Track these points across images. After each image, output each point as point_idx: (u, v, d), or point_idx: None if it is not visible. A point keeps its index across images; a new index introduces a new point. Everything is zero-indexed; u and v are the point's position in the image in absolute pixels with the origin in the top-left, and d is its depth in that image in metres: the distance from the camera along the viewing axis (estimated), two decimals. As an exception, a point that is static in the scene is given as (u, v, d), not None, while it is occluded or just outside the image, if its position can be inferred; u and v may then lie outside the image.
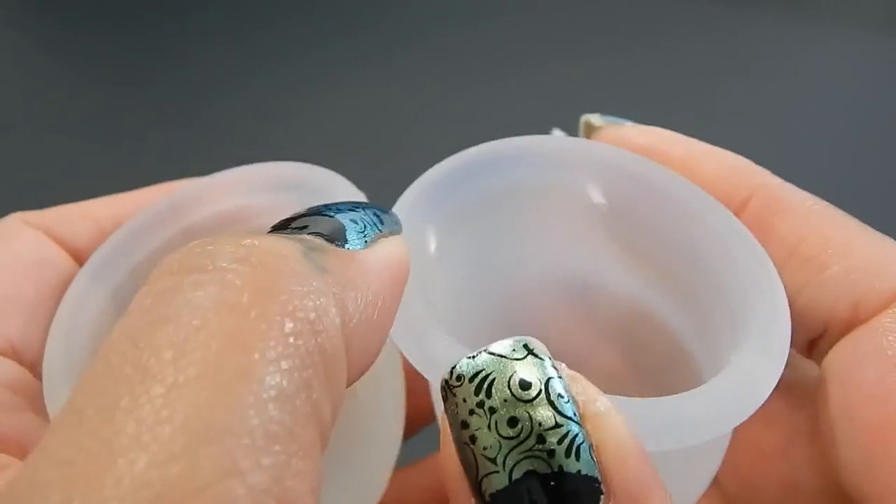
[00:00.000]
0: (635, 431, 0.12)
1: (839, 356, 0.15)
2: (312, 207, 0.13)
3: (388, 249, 0.13)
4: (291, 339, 0.10)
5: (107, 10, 0.55)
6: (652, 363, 0.18)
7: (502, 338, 0.12)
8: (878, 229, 0.49)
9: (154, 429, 0.09)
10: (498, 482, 0.11)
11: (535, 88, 0.49)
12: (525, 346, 0.12)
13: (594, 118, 0.18)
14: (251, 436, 0.09)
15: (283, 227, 0.13)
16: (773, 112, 0.50)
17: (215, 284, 0.10)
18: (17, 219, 0.18)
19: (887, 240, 0.16)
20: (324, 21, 0.54)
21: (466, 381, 0.12)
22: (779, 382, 0.14)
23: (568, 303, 0.18)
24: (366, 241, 0.13)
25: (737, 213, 0.16)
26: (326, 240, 0.12)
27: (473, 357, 0.12)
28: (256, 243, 0.11)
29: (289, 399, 0.10)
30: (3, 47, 0.55)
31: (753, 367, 0.14)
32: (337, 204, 0.14)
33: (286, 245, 0.11)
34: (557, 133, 0.18)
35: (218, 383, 0.09)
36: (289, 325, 0.10)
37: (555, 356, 0.17)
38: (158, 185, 0.20)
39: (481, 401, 0.12)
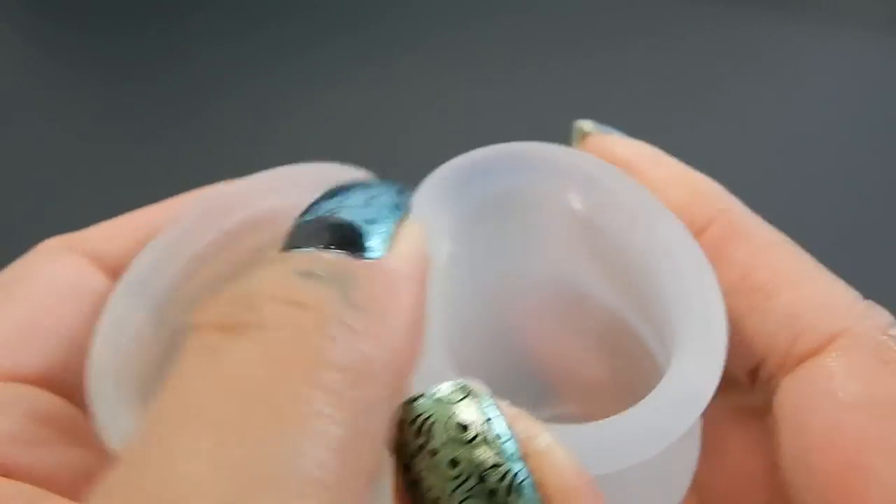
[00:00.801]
0: (579, 465, 0.12)
1: (788, 399, 0.15)
2: (320, 202, 0.14)
3: (409, 246, 0.13)
4: (340, 391, 0.10)
5: (107, 9, 0.55)
6: (631, 372, 0.18)
7: (489, 344, 0.13)
8: (878, 229, 0.49)
9: (211, 475, 0.09)
10: None
11: (535, 87, 0.49)
12: (463, 387, 0.12)
13: (586, 125, 0.18)
14: (304, 483, 0.09)
15: (296, 239, 0.13)
16: (772, 112, 0.50)
17: (258, 342, 0.11)
18: (54, 243, 0.18)
19: (838, 282, 0.16)
20: (325, 20, 0.54)
21: (407, 423, 0.12)
22: (750, 408, 0.14)
23: (556, 310, 0.19)
24: (387, 239, 0.13)
25: (696, 236, 0.16)
26: (348, 250, 0.12)
27: (415, 399, 0.12)
28: (295, 293, 0.11)
29: (339, 449, 0.10)
30: (3, 46, 0.55)
31: (691, 375, 0.14)
32: (345, 191, 0.14)
33: (323, 293, 0.11)
34: (586, 125, 0.19)
35: (270, 433, 0.10)
36: (336, 377, 0.10)
37: (542, 364, 0.17)
38: (191, 192, 0.20)
39: (423, 443, 0.12)
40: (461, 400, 0.12)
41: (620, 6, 0.54)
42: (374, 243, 0.13)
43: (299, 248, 0.12)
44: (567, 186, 0.17)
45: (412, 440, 0.12)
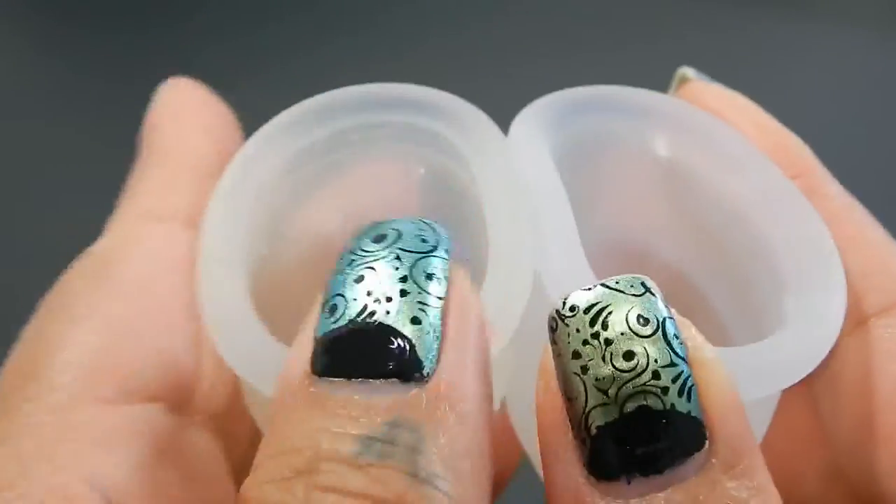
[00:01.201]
0: (737, 384, 0.12)
1: (852, 359, 0.15)
2: (341, 279, 0.12)
3: (464, 328, 0.12)
4: None
5: (107, 7, 0.55)
6: None
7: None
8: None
9: None
10: (608, 414, 0.11)
11: (534, 87, 0.49)
12: (643, 283, 0.12)
13: (688, 71, 0.19)
14: None
15: (330, 360, 0.12)
16: (771, 112, 0.50)
17: None
18: (132, 217, 0.17)
19: None
20: (325, 19, 0.54)
21: (581, 311, 0.12)
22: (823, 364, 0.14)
23: (621, 267, 0.18)
24: (436, 339, 0.12)
25: None
26: (400, 375, 0.11)
27: (589, 289, 0.12)
28: (359, 481, 0.11)
29: None
30: (5, 45, 0.55)
31: (818, 307, 0.14)
32: (368, 257, 0.12)
33: (394, 478, 0.11)
34: (688, 72, 0.19)
35: None
36: None
37: None
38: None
39: (596, 332, 0.12)
40: (642, 294, 0.12)
41: (620, 6, 0.54)
42: (427, 354, 0.12)
43: (335, 375, 0.11)
44: (654, 130, 0.17)
45: (583, 328, 0.12)
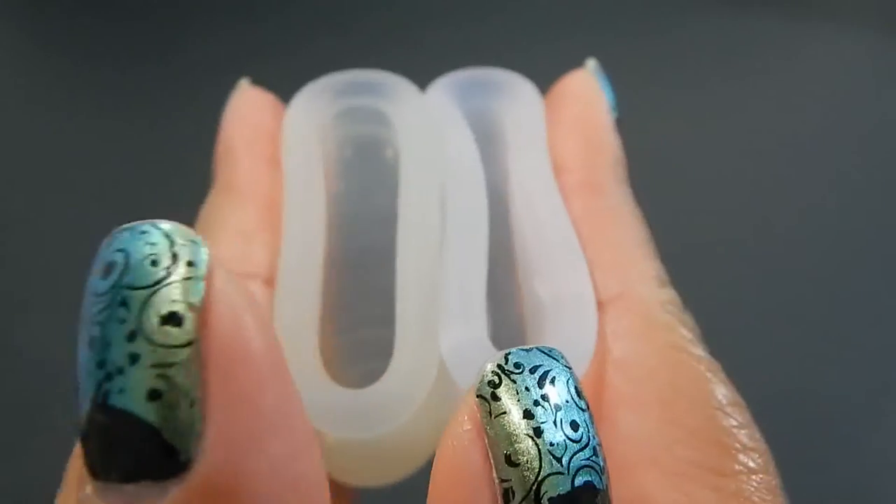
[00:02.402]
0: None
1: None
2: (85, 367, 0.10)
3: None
4: None
5: (111, 6, 0.55)
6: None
7: None
8: (877, 228, 0.49)
9: None
10: (562, 485, 0.10)
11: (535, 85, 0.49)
12: (561, 356, 0.11)
13: (590, 64, 0.19)
14: None
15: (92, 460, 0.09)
16: (771, 112, 0.50)
17: None
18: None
19: (653, 260, 0.16)
20: (325, 18, 0.54)
21: (527, 370, 0.11)
22: None
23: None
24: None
25: (557, 176, 0.17)
26: (152, 474, 0.09)
27: (528, 350, 0.11)
28: None
29: None
30: (6, 43, 0.55)
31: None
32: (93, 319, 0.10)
33: None
34: (591, 64, 0.19)
35: None
36: None
37: None
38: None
39: (545, 394, 0.11)
40: (569, 367, 0.11)
41: (619, 6, 0.54)
42: (182, 434, 0.09)
43: (97, 478, 0.09)
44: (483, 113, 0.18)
45: (533, 388, 0.11)
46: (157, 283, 0.09)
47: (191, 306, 0.09)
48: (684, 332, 0.15)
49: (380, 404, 0.13)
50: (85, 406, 0.09)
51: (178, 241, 0.10)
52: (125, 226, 0.10)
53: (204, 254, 0.10)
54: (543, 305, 0.15)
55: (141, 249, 0.10)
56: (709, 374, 0.14)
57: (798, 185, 0.48)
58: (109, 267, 0.10)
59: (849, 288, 0.46)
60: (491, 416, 0.11)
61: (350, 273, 0.16)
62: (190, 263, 0.10)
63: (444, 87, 0.18)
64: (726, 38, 0.53)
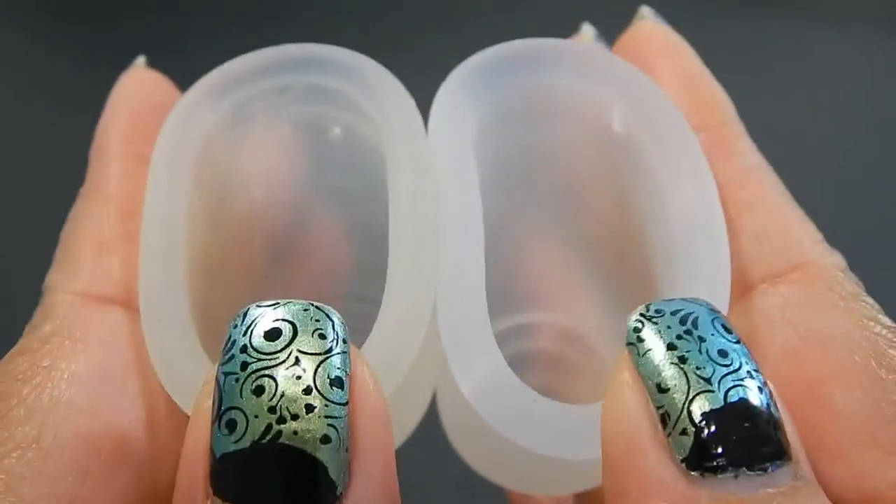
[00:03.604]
0: None
1: (742, 322, 0.15)
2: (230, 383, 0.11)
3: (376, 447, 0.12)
4: None
5: (112, 5, 0.55)
6: (626, 287, 0.17)
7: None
8: (877, 228, 0.49)
9: None
10: (714, 401, 0.11)
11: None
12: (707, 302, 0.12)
13: (646, 11, 0.18)
14: None
15: (230, 488, 0.11)
16: (771, 112, 0.50)
17: None
18: (70, 297, 0.15)
19: (809, 221, 0.15)
20: (326, 17, 0.54)
21: (668, 313, 0.12)
22: None
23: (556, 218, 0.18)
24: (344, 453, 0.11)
25: None
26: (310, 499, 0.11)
27: (669, 300, 0.12)
28: None
29: None
30: (7, 43, 0.55)
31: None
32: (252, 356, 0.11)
33: None
34: (646, 11, 0.17)
35: None
36: None
37: (526, 268, 0.17)
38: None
39: (689, 329, 0.11)
40: (716, 310, 0.12)
41: (619, 5, 0.54)
42: (339, 474, 0.11)
43: (238, 500, 0.11)
44: (609, 98, 0.16)
45: (674, 325, 0.12)
46: (327, 352, 0.11)
47: (348, 374, 0.11)
48: (870, 300, 0.14)
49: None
50: (244, 442, 0.11)
51: (335, 320, 0.12)
52: (279, 301, 0.12)
53: (345, 330, 0.12)
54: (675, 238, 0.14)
55: (309, 323, 0.11)
56: None
57: (798, 185, 0.48)
58: (273, 334, 0.11)
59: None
60: (639, 355, 0.11)
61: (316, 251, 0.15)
62: (345, 341, 0.12)
63: (472, 70, 0.16)
64: (727, 38, 0.53)
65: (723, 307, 0.14)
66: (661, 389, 0.11)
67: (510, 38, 0.16)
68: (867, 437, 0.13)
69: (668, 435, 0.11)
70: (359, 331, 0.14)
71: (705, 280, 0.14)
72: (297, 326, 0.11)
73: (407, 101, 0.15)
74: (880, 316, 0.14)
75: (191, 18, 0.54)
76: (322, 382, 0.11)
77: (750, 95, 0.52)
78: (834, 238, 0.54)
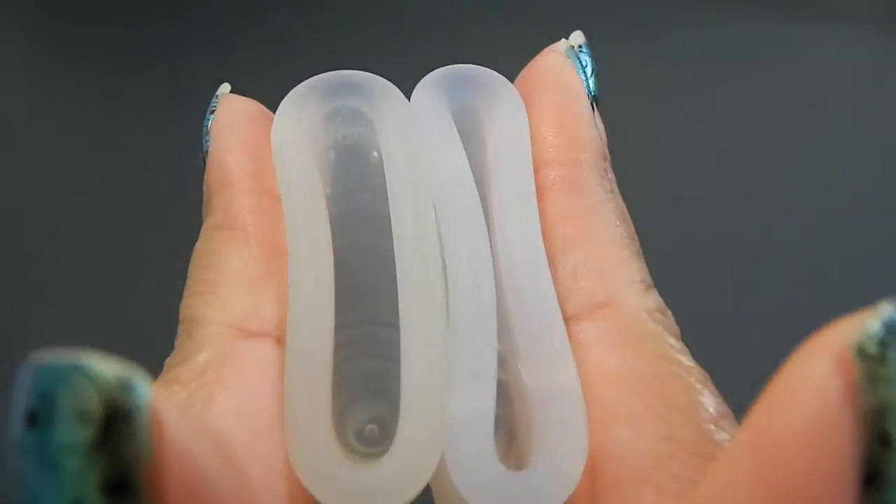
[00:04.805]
0: None
1: None
2: None
3: None
4: None
5: (112, 5, 0.55)
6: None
7: None
8: (877, 229, 0.49)
9: None
10: None
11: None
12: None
13: (575, 39, 0.18)
14: None
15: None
16: (771, 112, 0.50)
17: None
18: (224, 329, 0.15)
19: (639, 262, 0.15)
20: (326, 16, 0.54)
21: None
22: None
23: None
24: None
25: (537, 171, 0.16)
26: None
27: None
28: None
29: None
30: (7, 43, 0.55)
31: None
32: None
33: None
34: (574, 40, 0.18)
35: None
36: None
37: None
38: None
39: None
40: None
41: (619, 6, 0.54)
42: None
43: None
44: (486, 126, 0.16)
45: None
46: (93, 444, 0.08)
47: (138, 469, 0.08)
48: (672, 340, 0.14)
49: (388, 483, 0.13)
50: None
51: (109, 384, 0.08)
52: (42, 359, 0.09)
53: (143, 397, 0.09)
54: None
55: (65, 399, 0.08)
56: (698, 386, 0.14)
57: (798, 184, 0.48)
58: (32, 416, 0.08)
59: (848, 288, 0.46)
60: (872, 380, 0.09)
61: (337, 274, 0.15)
62: (127, 413, 0.08)
63: (432, 88, 0.16)
64: (726, 38, 0.53)
65: (558, 339, 0.14)
66: (885, 441, 0.09)
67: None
68: (644, 476, 0.13)
69: (870, 490, 0.09)
70: (378, 356, 0.15)
71: (535, 312, 0.14)
72: (53, 406, 0.08)
73: (405, 122, 0.16)
74: (677, 355, 0.14)
75: (186, 23, 0.54)
76: (89, 494, 0.08)
77: (749, 95, 0.52)
78: (834, 237, 0.54)
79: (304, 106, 0.16)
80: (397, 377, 0.14)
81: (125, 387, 0.08)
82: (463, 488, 0.13)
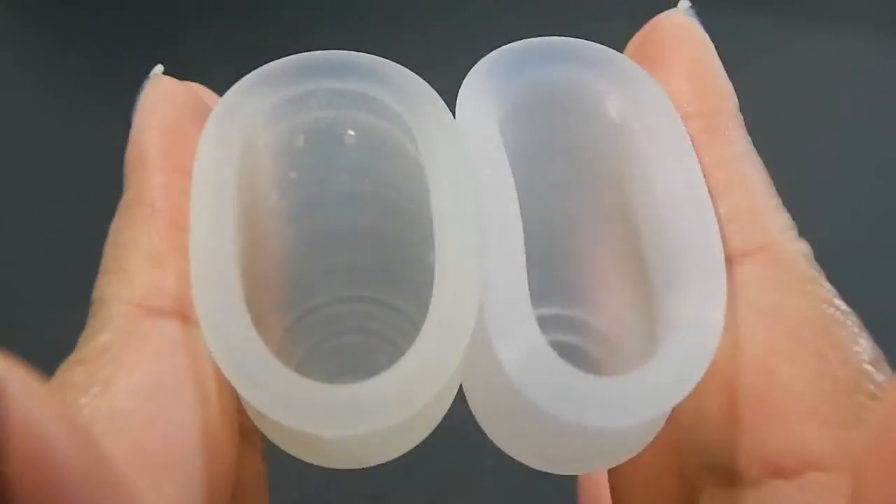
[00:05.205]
0: None
1: None
2: None
3: None
4: None
5: (106, 5, 0.55)
6: (638, 299, 0.17)
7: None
8: (877, 229, 0.48)
9: None
10: None
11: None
12: None
13: (684, 3, 0.18)
14: None
15: None
16: (771, 112, 0.50)
17: None
18: (126, 307, 0.15)
19: (783, 210, 0.16)
20: (326, 13, 0.54)
21: None
22: None
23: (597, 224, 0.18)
24: None
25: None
26: None
27: None
28: None
29: None
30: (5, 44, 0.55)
31: (695, 325, 0.14)
32: None
33: None
34: (683, 4, 0.17)
35: None
36: None
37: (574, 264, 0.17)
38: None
39: None
40: None
41: (619, 6, 0.54)
42: None
43: None
44: (606, 88, 0.16)
45: None
46: None
47: None
48: (828, 286, 0.15)
49: (404, 382, 0.13)
50: None
51: None
52: None
53: None
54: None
55: None
56: (856, 329, 0.14)
57: (798, 185, 0.48)
58: None
59: (848, 288, 0.45)
60: None
61: (312, 255, 0.15)
62: None
63: (489, 67, 0.16)
64: (726, 38, 0.53)
65: (719, 273, 0.14)
66: None
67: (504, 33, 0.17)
68: (807, 408, 0.13)
69: None
70: (359, 331, 0.15)
71: (697, 247, 0.14)
72: None
73: (438, 104, 0.15)
74: (835, 300, 0.14)
75: (186, 11, 0.55)
76: None
77: (749, 95, 0.52)
78: (833, 236, 0.54)
79: (246, 99, 0.15)
80: (382, 352, 0.14)
81: None
82: (519, 379, 0.12)
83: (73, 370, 0.14)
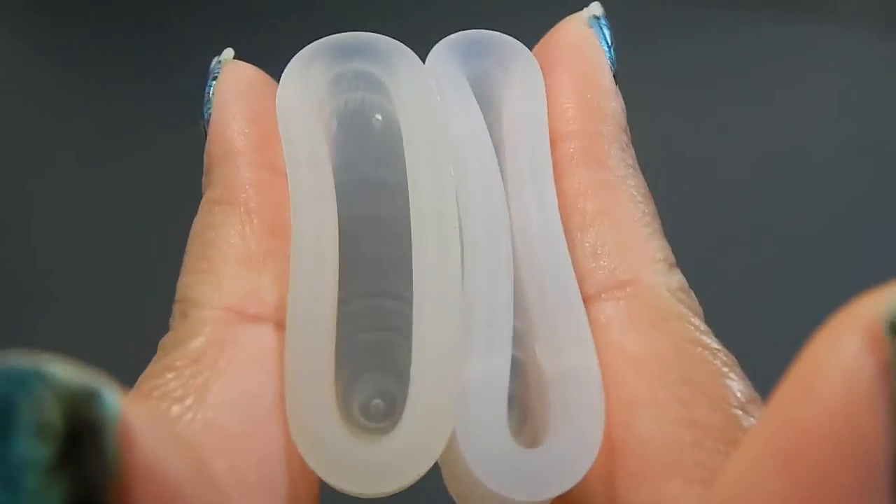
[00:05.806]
0: None
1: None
2: None
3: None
4: None
5: (106, 5, 0.55)
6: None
7: None
8: (877, 230, 0.49)
9: None
10: None
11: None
12: None
13: (594, 9, 0.17)
14: None
15: None
16: (771, 112, 0.50)
17: None
18: (221, 312, 0.14)
19: (660, 240, 0.15)
20: (324, 13, 0.54)
21: None
22: None
23: None
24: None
25: (554, 145, 0.15)
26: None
27: None
28: None
29: None
30: (4, 45, 0.55)
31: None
32: None
33: None
34: (593, 10, 0.17)
35: None
36: None
37: None
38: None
39: None
40: None
41: (620, 7, 0.54)
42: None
43: None
44: (503, 95, 0.16)
45: None
46: (53, 462, 0.07)
47: (105, 490, 0.08)
48: (696, 321, 0.14)
49: (396, 460, 0.12)
50: None
51: (72, 394, 0.08)
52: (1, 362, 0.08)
53: (111, 410, 0.08)
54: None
55: (24, 410, 0.07)
56: (725, 369, 0.13)
57: (798, 184, 0.48)
58: None
59: (848, 288, 0.45)
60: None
61: (342, 245, 0.15)
62: (93, 427, 0.08)
63: (447, 51, 0.16)
64: (726, 39, 0.53)
65: (577, 319, 0.13)
66: None
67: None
68: (670, 463, 0.12)
69: None
70: (384, 329, 0.14)
71: (553, 291, 0.14)
72: (11, 417, 0.08)
73: (425, 81, 0.15)
74: (702, 337, 0.13)
75: (186, 17, 0.54)
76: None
77: (749, 95, 0.52)
78: (833, 236, 0.54)
79: (310, 71, 0.15)
80: (405, 350, 0.13)
81: (90, 397, 0.08)
82: (471, 458, 0.12)
83: (162, 377, 0.13)
